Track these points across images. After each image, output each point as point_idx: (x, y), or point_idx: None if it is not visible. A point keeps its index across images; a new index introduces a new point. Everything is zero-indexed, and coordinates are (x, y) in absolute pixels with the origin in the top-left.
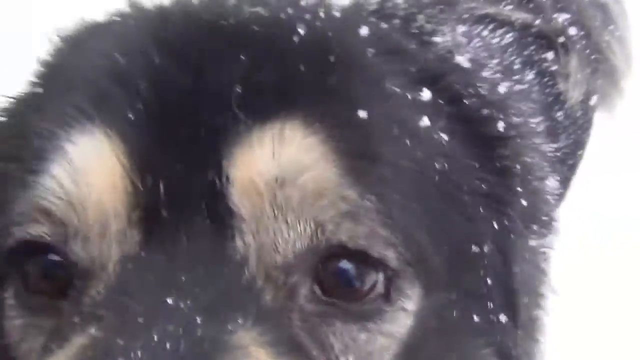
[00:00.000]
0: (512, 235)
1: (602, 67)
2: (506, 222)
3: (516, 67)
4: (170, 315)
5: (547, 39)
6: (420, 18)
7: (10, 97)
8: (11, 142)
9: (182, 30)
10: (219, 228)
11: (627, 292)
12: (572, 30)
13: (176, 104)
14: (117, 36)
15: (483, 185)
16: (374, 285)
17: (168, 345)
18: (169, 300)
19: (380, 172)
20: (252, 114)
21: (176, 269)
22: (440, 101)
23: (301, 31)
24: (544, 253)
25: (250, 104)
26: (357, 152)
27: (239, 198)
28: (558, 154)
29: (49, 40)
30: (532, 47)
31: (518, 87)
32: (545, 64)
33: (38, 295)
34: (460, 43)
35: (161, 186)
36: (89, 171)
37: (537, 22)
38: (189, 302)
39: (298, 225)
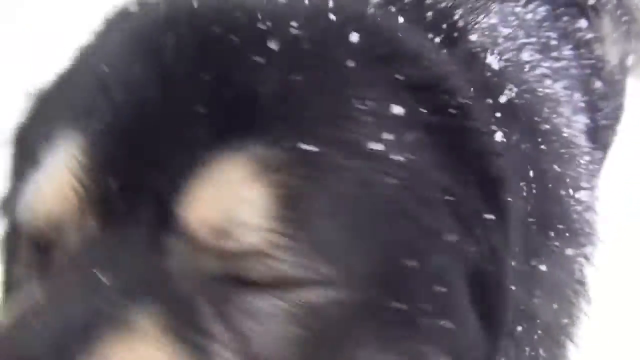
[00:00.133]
0: (498, 250)
1: (633, 29)
2: (490, 238)
3: (553, 42)
4: (92, 289)
5: (577, 6)
6: (458, 13)
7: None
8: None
9: (166, 40)
10: (161, 224)
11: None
12: None
13: (144, 115)
14: (111, 43)
15: (456, 198)
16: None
17: (67, 312)
18: (98, 275)
19: (315, 204)
20: (204, 142)
21: (116, 252)
22: (422, 110)
23: (275, 45)
24: (580, 262)
25: (204, 127)
26: (295, 185)
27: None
28: (604, 122)
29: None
30: (565, 18)
31: (556, 65)
32: (579, 34)
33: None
34: (496, 39)
35: (115, 185)
36: (52, 175)
37: None
38: (114, 280)
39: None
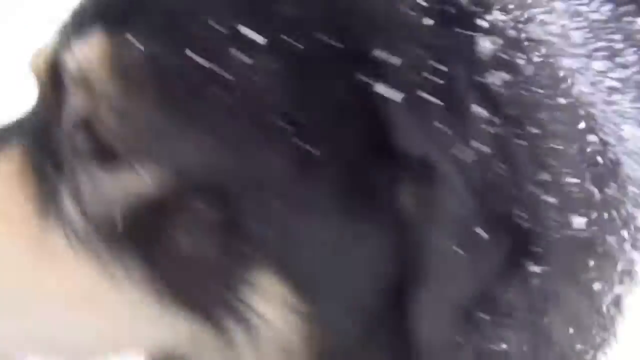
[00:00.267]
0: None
1: None
2: None
3: (618, 46)
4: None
5: (636, 3)
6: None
7: None
8: None
9: None
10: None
11: None
12: None
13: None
14: None
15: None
16: None
17: None
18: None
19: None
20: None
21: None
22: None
23: None
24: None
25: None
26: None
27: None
28: None
29: None
30: (628, 19)
31: (623, 74)
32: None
33: None
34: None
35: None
36: None
37: None
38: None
39: None
